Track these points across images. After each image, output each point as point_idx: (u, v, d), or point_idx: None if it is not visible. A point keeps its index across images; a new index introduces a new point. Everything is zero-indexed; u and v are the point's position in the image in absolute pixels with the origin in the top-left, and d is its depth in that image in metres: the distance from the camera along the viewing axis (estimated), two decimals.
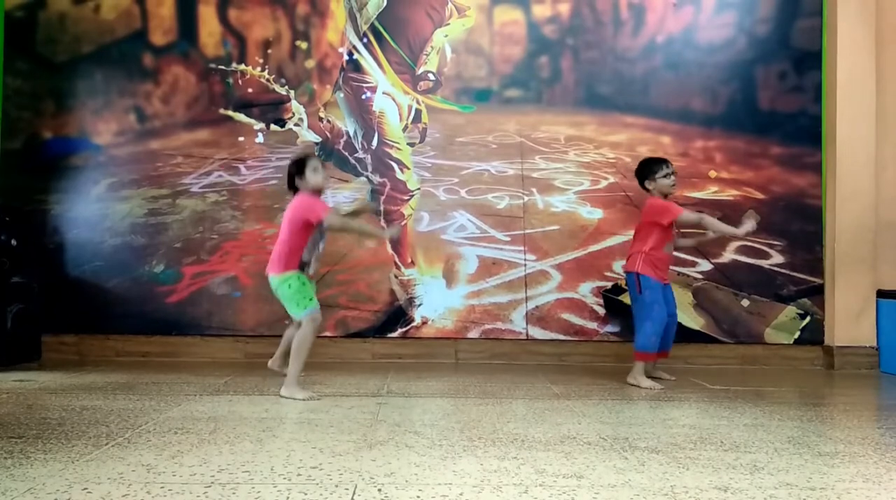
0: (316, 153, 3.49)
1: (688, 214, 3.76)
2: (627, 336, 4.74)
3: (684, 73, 4.91)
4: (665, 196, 3.83)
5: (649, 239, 3.78)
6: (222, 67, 4.90)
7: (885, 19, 4.78)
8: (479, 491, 1.87)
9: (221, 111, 4.88)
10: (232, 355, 4.70)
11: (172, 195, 4.85)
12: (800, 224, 4.82)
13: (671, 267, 4.08)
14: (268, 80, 4.89)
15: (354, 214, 3.77)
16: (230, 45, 4.92)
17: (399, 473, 2.03)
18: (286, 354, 3.48)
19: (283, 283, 3.32)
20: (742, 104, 4.89)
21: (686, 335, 4.64)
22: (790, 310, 4.77)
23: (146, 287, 4.78)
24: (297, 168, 3.36)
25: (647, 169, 3.86)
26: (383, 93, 4.89)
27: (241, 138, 4.88)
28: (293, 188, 3.39)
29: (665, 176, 3.80)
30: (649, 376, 3.83)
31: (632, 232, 4.04)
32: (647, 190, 3.87)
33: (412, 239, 4.84)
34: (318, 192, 3.39)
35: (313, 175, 3.33)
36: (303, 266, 3.35)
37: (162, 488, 1.85)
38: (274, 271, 3.35)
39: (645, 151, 4.78)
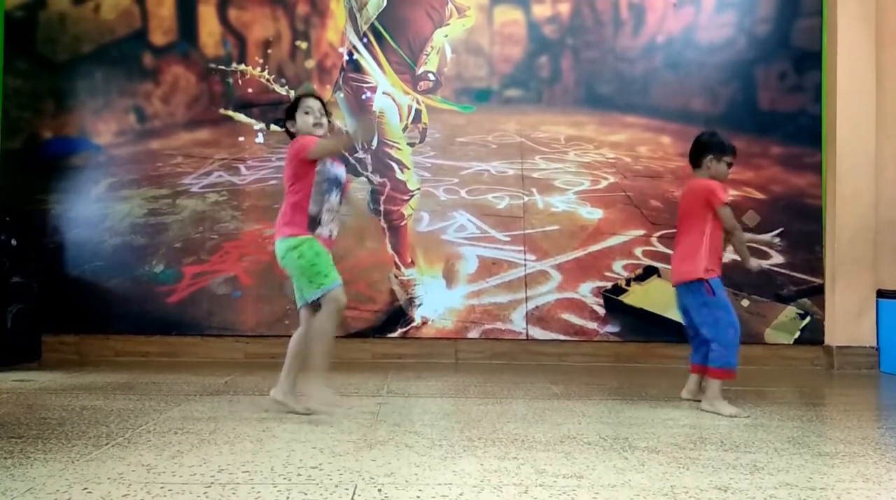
0: (311, 92, 3.01)
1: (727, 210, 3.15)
2: (627, 336, 4.75)
3: (684, 73, 4.91)
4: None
5: (706, 227, 3.14)
6: (222, 67, 4.90)
7: (885, 19, 4.78)
8: (479, 491, 1.87)
9: (221, 111, 4.88)
10: (232, 355, 4.70)
11: (172, 195, 4.85)
12: (800, 224, 4.82)
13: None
14: (268, 80, 4.89)
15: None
16: (230, 45, 4.91)
17: (399, 473, 2.03)
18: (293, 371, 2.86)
19: (290, 250, 2.71)
20: (742, 104, 4.88)
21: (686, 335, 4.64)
22: (790, 310, 4.77)
23: (146, 287, 4.78)
24: (288, 113, 2.88)
25: (716, 148, 3.22)
26: (383, 93, 4.89)
27: (241, 138, 4.88)
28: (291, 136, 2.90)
29: (728, 163, 3.25)
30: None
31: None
32: (700, 169, 3.25)
33: (412, 239, 4.84)
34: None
35: (303, 118, 2.81)
36: (313, 224, 2.78)
37: (162, 488, 1.85)
38: (279, 234, 2.77)
39: (645, 151, 4.79)
